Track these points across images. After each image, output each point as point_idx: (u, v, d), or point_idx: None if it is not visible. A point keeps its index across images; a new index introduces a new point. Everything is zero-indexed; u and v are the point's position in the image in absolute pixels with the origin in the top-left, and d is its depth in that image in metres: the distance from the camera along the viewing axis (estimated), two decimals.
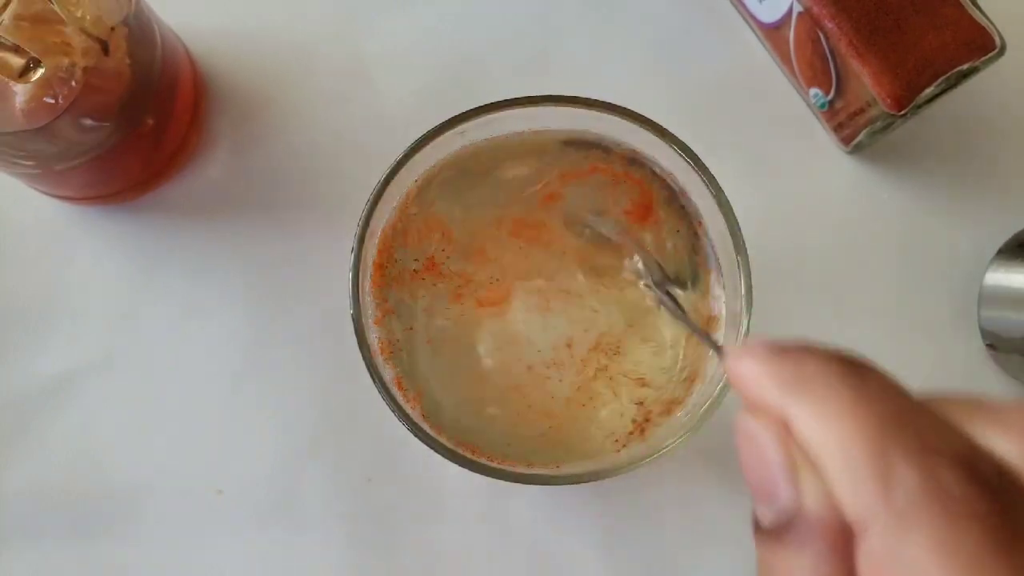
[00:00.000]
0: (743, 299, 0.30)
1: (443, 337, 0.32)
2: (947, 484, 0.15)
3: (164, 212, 0.39)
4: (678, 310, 0.29)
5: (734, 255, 0.30)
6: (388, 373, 0.31)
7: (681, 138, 0.31)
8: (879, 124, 0.36)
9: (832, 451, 0.16)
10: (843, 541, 0.16)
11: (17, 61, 0.29)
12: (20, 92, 0.31)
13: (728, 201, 0.30)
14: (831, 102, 0.37)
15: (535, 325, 0.32)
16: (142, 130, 0.36)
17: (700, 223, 0.32)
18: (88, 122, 0.33)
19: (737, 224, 0.30)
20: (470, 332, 0.32)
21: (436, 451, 0.29)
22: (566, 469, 0.31)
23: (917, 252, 0.39)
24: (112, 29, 0.32)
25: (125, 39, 0.33)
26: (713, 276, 0.32)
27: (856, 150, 0.39)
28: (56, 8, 0.30)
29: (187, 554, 0.37)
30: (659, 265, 0.31)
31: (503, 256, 0.33)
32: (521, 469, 0.30)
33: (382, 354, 0.31)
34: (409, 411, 0.30)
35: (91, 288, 0.38)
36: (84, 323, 0.38)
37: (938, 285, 0.39)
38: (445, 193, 0.33)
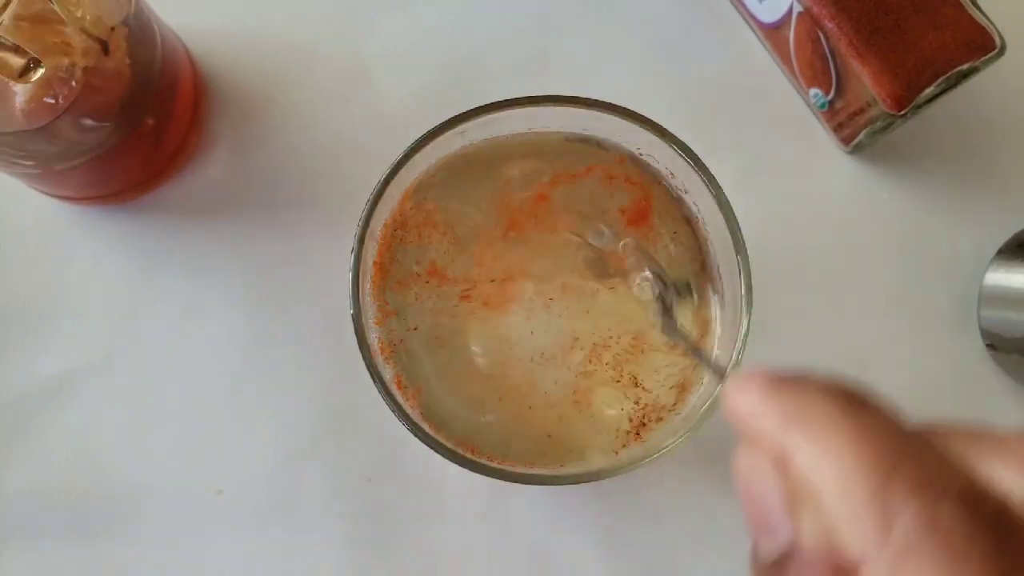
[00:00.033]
0: (743, 299, 0.30)
1: (443, 338, 0.32)
2: (947, 521, 0.15)
3: (164, 212, 0.39)
4: (683, 338, 0.29)
5: (734, 255, 0.30)
6: (388, 373, 0.31)
7: (681, 138, 0.31)
8: (879, 124, 0.36)
9: (832, 486, 0.16)
10: None
11: (17, 61, 0.29)
12: (20, 92, 0.31)
13: (728, 201, 0.30)
14: (831, 102, 0.37)
15: (535, 326, 0.32)
16: (142, 130, 0.36)
17: (699, 221, 0.32)
18: (88, 122, 0.33)
19: (737, 224, 0.30)
20: (469, 333, 0.32)
21: (436, 451, 0.29)
22: (566, 469, 0.31)
23: (917, 252, 0.39)
24: (112, 29, 0.32)
25: (125, 39, 0.33)
26: (712, 276, 0.32)
27: (856, 150, 0.39)
28: (56, 8, 0.30)
29: (187, 554, 0.37)
30: (664, 284, 0.31)
31: (503, 257, 0.33)
32: (521, 469, 0.30)
33: (382, 354, 0.31)
34: (409, 411, 0.30)
35: (91, 288, 0.38)
36: (84, 323, 0.38)
37: (938, 285, 0.39)
38: (445, 193, 0.33)
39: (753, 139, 0.40)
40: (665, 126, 0.31)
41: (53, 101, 0.31)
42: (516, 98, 0.31)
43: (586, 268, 0.32)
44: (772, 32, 0.39)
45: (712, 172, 0.30)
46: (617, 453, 0.31)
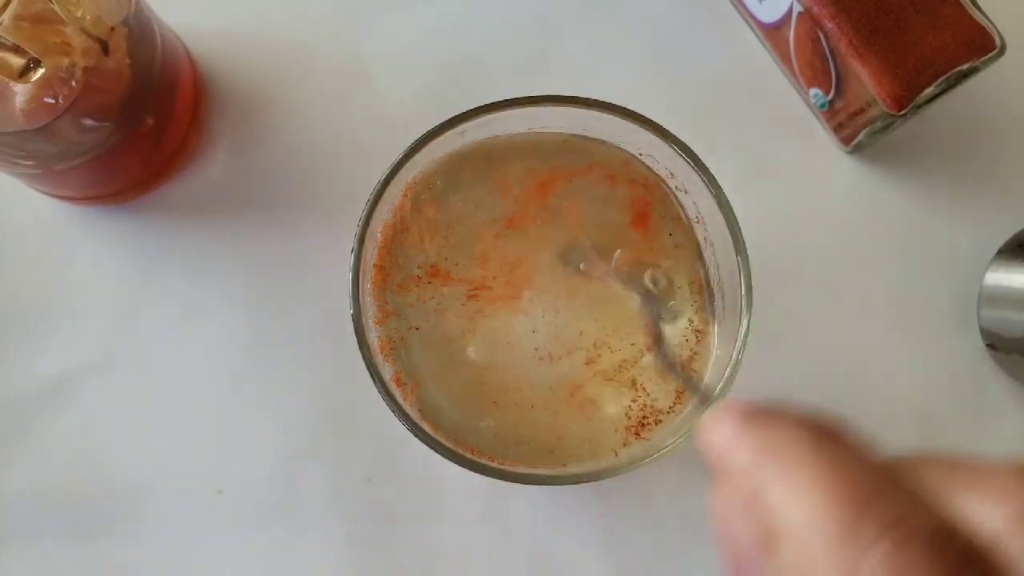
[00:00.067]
0: (743, 299, 0.30)
1: (443, 338, 0.32)
2: (915, 561, 0.15)
3: (164, 212, 0.39)
4: (673, 366, 0.28)
5: (734, 255, 0.30)
6: (388, 373, 0.31)
7: (681, 138, 0.31)
8: (879, 124, 0.36)
9: (801, 525, 0.16)
10: None
11: (17, 61, 0.29)
12: (20, 92, 0.31)
13: (728, 201, 0.30)
14: (831, 102, 0.37)
15: (535, 325, 0.32)
16: (142, 130, 0.36)
17: (700, 220, 0.32)
18: (88, 122, 0.33)
19: (737, 224, 0.30)
20: (471, 332, 0.32)
21: (436, 451, 0.29)
22: (566, 469, 0.31)
23: (917, 252, 0.39)
24: (112, 29, 0.32)
25: (125, 39, 0.33)
26: (710, 280, 0.32)
27: (856, 150, 0.39)
28: (56, 8, 0.30)
29: (187, 554, 0.37)
30: (657, 312, 0.31)
31: (504, 257, 0.32)
32: (521, 469, 0.30)
33: (381, 352, 0.31)
34: (409, 411, 0.30)
35: (91, 288, 0.38)
36: (84, 323, 0.38)
37: (938, 285, 0.39)
38: (446, 193, 0.33)
39: (753, 139, 0.40)
40: (665, 126, 0.31)
41: (53, 101, 0.31)
42: (516, 98, 0.31)
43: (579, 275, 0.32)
44: (772, 32, 0.39)
45: (712, 172, 0.30)
46: (617, 453, 0.31)
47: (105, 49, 0.32)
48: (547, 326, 0.32)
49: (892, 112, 0.34)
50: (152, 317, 0.38)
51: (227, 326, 0.38)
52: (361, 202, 0.30)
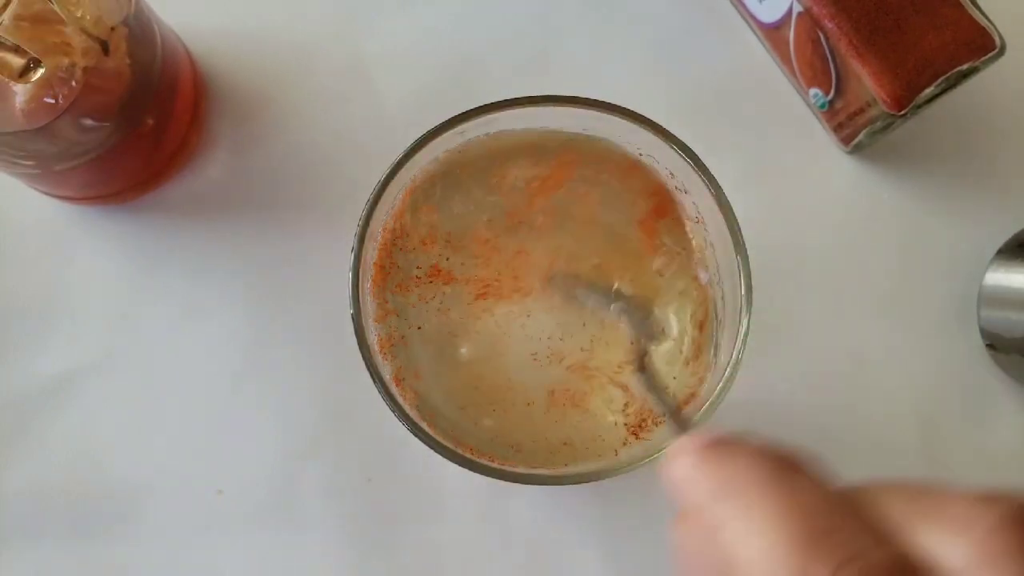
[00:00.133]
0: (743, 299, 0.30)
1: (443, 338, 0.32)
2: None
3: (164, 212, 0.39)
4: (654, 386, 0.28)
5: (734, 255, 0.30)
6: (387, 372, 0.31)
7: (681, 138, 0.31)
8: (879, 124, 0.36)
9: (758, 563, 0.16)
10: None
11: (17, 61, 0.29)
12: (20, 92, 0.31)
13: (728, 201, 0.30)
14: (831, 102, 0.37)
15: (534, 326, 0.32)
16: (142, 130, 0.36)
17: (700, 220, 0.32)
18: (88, 122, 0.33)
19: (737, 224, 0.30)
20: (469, 333, 0.32)
21: (436, 451, 0.29)
22: (566, 469, 0.31)
23: (917, 252, 0.39)
24: (112, 29, 0.32)
25: (125, 39, 0.33)
26: (711, 282, 0.32)
27: (856, 150, 0.39)
28: (56, 8, 0.30)
29: (187, 554, 0.37)
30: (643, 337, 0.31)
31: (503, 258, 0.32)
32: (521, 469, 0.30)
33: (380, 351, 0.31)
34: (408, 411, 0.30)
35: (91, 288, 0.38)
36: (84, 323, 0.38)
37: (938, 285, 0.39)
38: (447, 192, 0.33)
39: (753, 139, 0.40)
40: (665, 126, 0.31)
41: (53, 101, 0.31)
42: (516, 98, 0.31)
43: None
44: (772, 32, 0.39)
45: (712, 172, 0.30)
46: (617, 453, 0.31)
47: (105, 49, 0.32)
48: (546, 327, 0.32)
49: (892, 112, 0.34)
50: (152, 317, 0.38)
51: (227, 326, 0.38)
52: (361, 202, 0.30)
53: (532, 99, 0.31)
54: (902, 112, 0.34)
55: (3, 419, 0.37)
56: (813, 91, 0.38)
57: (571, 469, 0.31)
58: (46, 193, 0.38)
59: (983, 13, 0.34)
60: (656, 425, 0.31)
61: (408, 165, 0.31)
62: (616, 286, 0.32)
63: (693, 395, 0.32)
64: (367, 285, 0.31)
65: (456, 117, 0.31)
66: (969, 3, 0.34)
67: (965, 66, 0.33)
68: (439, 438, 0.30)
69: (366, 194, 0.30)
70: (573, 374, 0.32)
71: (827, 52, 0.35)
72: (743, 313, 0.30)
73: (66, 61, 0.31)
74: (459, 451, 0.30)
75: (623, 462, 0.29)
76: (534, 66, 0.40)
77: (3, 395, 0.38)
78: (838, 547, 0.16)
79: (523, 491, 0.36)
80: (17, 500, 0.37)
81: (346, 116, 0.40)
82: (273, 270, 0.38)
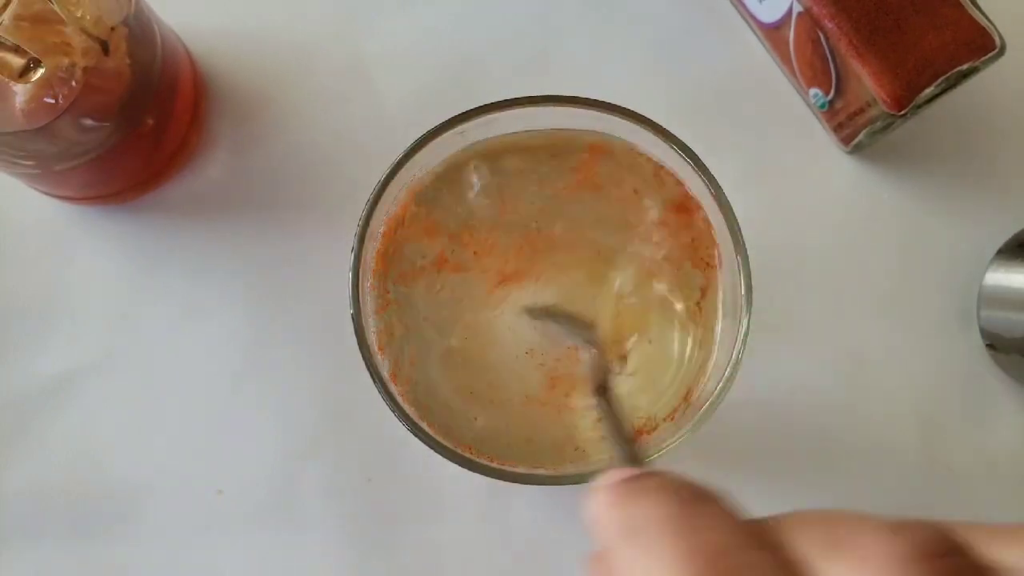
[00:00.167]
0: (743, 299, 0.30)
1: (442, 337, 0.32)
2: None
3: (164, 212, 0.39)
4: (610, 420, 0.27)
5: (734, 255, 0.30)
6: (386, 370, 0.31)
7: (681, 138, 0.31)
8: (879, 124, 0.36)
9: None
10: None
11: (17, 61, 0.29)
12: (20, 92, 0.31)
13: (728, 201, 0.30)
14: (831, 102, 0.37)
15: (535, 324, 0.32)
16: (142, 130, 0.36)
17: (700, 210, 0.32)
18: (88, 122, 0.33)
19: (737, 224, 0.30)
20: (467, 326, 0.32)
21: (436, 451, 0.29)
22: (566, 469, 0.31)
23: (917, 252, 0.39)
24: (112, 29, 0.32)
25: (125, 39, 0.33)
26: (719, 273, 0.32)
27: (856, 150, 0.39)
28: (56, 8, 0.30)
29: (187, 554, 0.37)
30: (608, 367, 0.30)
31: (507, 253, 0.32)
32: (521, 469, 0.30)
33: (380, 348, 0.31)
34: (408, 410, 0.30)
35: (91, 288, 0.38)
36: (84, 323, 0.38)
37: (938, 285, 0.39)
38: (454, 189, 0.33)
39: (753, 139, 0.40)
40: (665, 126, 0.31)
41: (53, 101, 0.31)
42: (516, 98, 0.31)
43: (597, 269, 0.32)
44: (772, 32, 0.39)
45: (712, 172, 0.30)
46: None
47: (105, 49, 0.32)
48: (548, 325, 0.32)
49: (892, 112, 0.34)
50: (152, 317, 0.38)
51: (227, 326, 0.38)
52: (361, 202, 0.30)
53: (532, 99, 0.31)
54: (902, 112, 0.34)
55: (3, 419, 0.38)
56: (813, 91, 0.38)
57: (571, 469, 0.31)
58: (46, 193, 0.38)
59: (983, 13, 0.34)
60: (656, 425, 0.31)
61: (408, 165, 0.31)
62: (589, 319, 0.31)
63: (690, 393, 0.32)
64: (367, 285, 0.31)
65: (456, 117, 0.31)
66: (969, 3, 0.34)
67: (965, 66, 0.33)
68: (439, 438, 0.30)
69: (366, 194, 0.30)
70: (572, 373, 0.32)
71: (827, 52, 0.35)
72: (743, 313, 0.30)
73: (66, 61, 0.31)
74: (459, 451, 0.30)
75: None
76: (534, 66, 0.40)
77: (3, 395, 0.38)
78: None
79: (523, 491, 0.36)
80: (17, 500, 0.37)
81: (346, 116, 0.40)
82: (273, 270, 0.38)
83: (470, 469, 0.29)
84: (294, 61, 0.40)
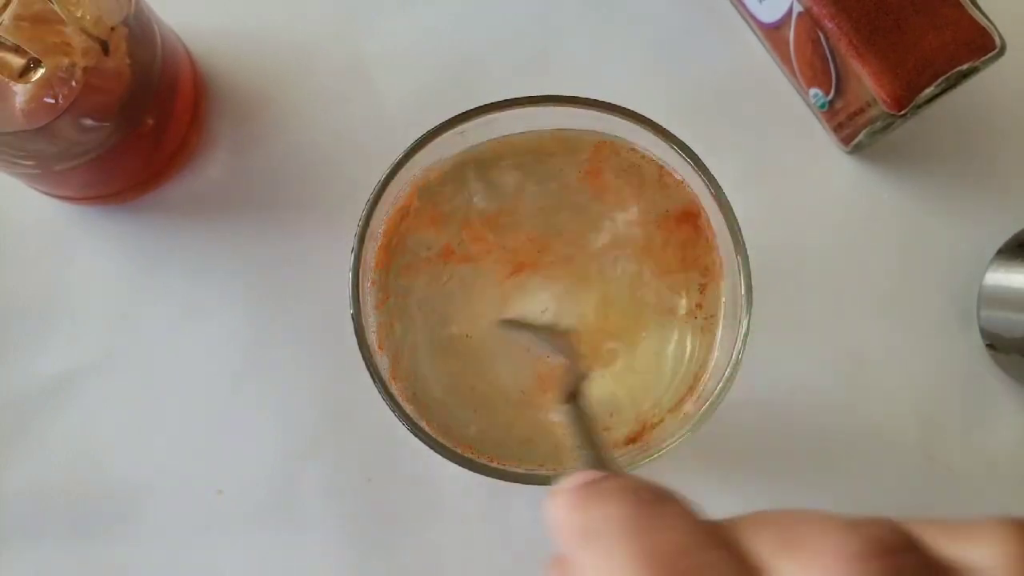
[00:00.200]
0: (743, 299, 0.30)
1: (442, 334, 0.32)
2: None
3: (164, 212, 0.39)
4: (580, 425, 0.27)
5: (734, 255, 0.30)
6: (386, 367, 0.31)
7: (681, 138, 0.31)
8: (879, 124, 0.36)
9: None
10: None
11: (17, 61, 0.29)
12: (20, 92, 0.31)
13: (728, 201, 0.30)
14: (831, 102, 0.37)
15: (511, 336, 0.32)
16: (142, 130, 0.36)
17: (700, 210, 0.32)
18: (88, 122, 0.33)
19: (737, 224, 0.30)
20: (468, 330, 0.32)
21: (436, 451, 0.29)
22: (566, 469, 0.31)
23: (917, 252, 0.39)
24: (112, 29, 0.32)
25: (125, 39, 0.33)
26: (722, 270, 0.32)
27: (856, 150, 0.39)
28: (56, 8, 0.30)
29: (187, 554, 0.37)
30: (582, 375, 0.30)
31: (506, 253, 0.32)
32: (521, 469, 0.30)
33: (380, 350, 0.31)
34: (407, 408, 0.30)
35: (91, 288, 0.38)
36: (84, 323, 0.38)
37: (938, 285, 0.39)
38: (454, 188, 0.33)
39: (753, 139, 0.40)
40: (665, 126, 0.31)
41: (53, 101, 0.31)
42: (516, 98, 0.31)
43: (601, 268, 0.32)
44: (772, 32, 0.39)
45: (712, 172, 0.30)
46: (617, 453, 0.31)
47: (105, 49, 0.32)
48: (549, 324, 0.32)
49: (892, 112, 0.34)
50: (152, 317, 0.38)
51: (227, 326, 0.38)
52: (361, 202, 0.30)
53: (532, 99, 0.31)
54: (902, 112, 0.34)
55: (3, 419, 0.38)
56: (813, 91, 0.38)
57: (571, 469, 0.30)
58: (46, 193, 0.38)
59: (983, 13, 0.34)
60: (656, 424, 0.31)
61: (408, 165, 0.31)
62: (562, 328, 0.31)
63: (690, 392, 0.32)
64: (367, 285, 0.31)
65: (456, 117, 0.31)
66: (969, 3, 0.34)
67: (965, 66, 0.33)
68: (438, 437, 0.30)
69: (366, 194, 0.30)
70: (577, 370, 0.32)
71: (827, 52, 0.35)
72: (743, 313, 0.30)
73: (66, 61, 0.31)
74: (459, 451, 0.30)
75: (623, 462, 0.29)
76: (534, 66, 0.40)
77: (3, 395, 0.38)
78: None
79: (523, 491, 0.36)
80: (17, 500, 0.37)
81: (346, 116, 0.40)
82: (273, 270, 0.38)
83: (470, 469, 0.29)
84: (294, 61, 0.40)
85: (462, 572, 0.36)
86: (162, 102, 0.36)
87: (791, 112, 0.40)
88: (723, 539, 0.17)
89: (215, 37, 0.40)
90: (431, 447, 0.29)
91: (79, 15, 0.31)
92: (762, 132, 0.40)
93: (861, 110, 0.36)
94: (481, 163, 0.33)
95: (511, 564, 0.36)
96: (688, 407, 0.31)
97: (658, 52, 0.40)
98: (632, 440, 0.31)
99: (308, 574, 0.37)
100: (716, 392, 0.29)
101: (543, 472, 0.30)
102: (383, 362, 0.31)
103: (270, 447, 0.37)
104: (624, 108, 0.31)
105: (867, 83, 0.34)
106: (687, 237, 0.32)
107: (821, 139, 0.40)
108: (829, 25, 0.34)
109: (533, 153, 0.33)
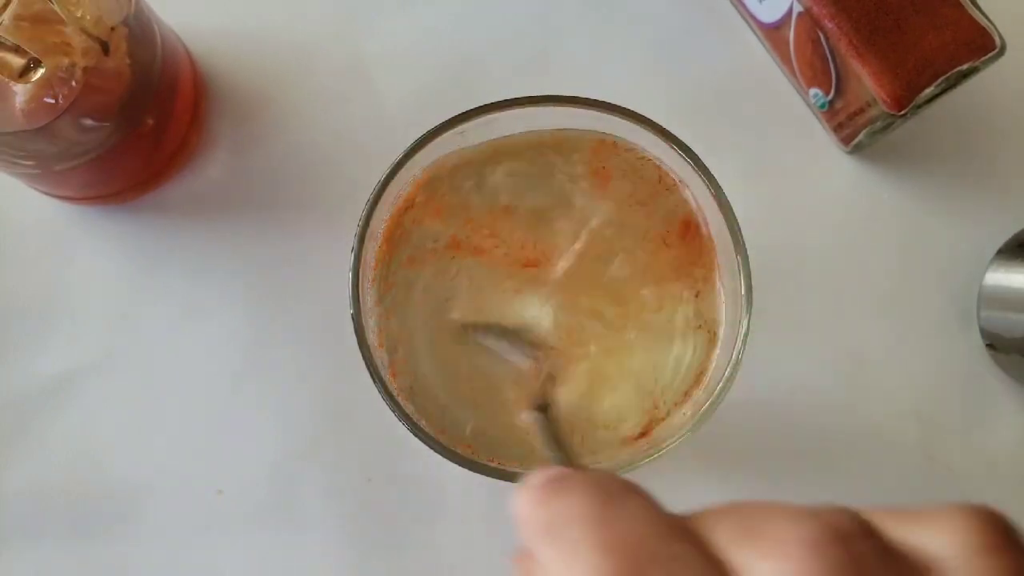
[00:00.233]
0: (743, 299, 0.30)
1: (442, 334, 0.32)
2: None
3: (164, 212, 0.39)
4: (547, 432, 0.27)
5: (734, 255, 0.30)
6: (385, 366, 0.31)
7: (681, 138, 0.31)
8: (879, 124, 0.36)
9: None
10: None
11: (17, 61, 0.29)
12: (20, 92, 0.31)
13: (728, 201, 0.30)
14: (831, 102, 0.37)
15: (537, 322, 0.32)
16: (142, 130, 0.36)
17: (701, 211, 0.32)
18: (88, 122, 0.33)
19: (737, 224, 0.30)
20: (465, 325, 0.32)
21: (436, 451, 0.29)
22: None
23: (917, 252, 0.39)
24: (112, 29, 0.32)
25: (125, 39, 0.33)
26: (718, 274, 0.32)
27: (856, 150, 0.39)
28: (56, 8, 0.30)
29: (187, 554, 0.37)
30: (551, 381, 0.30)
31: (505, 252, 0.32)
32: (521, 469, 0.30)
33: (379, 347, 0.31)
34: (407, 408, 0.30)
35: (91, 288, 0.38)
36: (84, 323, 0.38)
37: (938, 285, 0.39)
38: (452, 190, 0.33)
39: (753, 139, 0.40)
40: (665, 126, 0.31)
41: (53, 101, 0.31)
42: (516, 98, 0.31)
43: (603, 267, 0.32)
44: (772, 32, 0.39)
45: (712, 172, 0.30)
46: (617, 453, 0.31)
47: (105, 49, 0.32)
48: (550, 322, 0.32)
49: (892, 112, 0.34)
50: (152, 317, 0.38)
51: (227, 326, 0.38)
52: (361, 202, 0.30)
53: (532, 99, 0.31)
54: (902, 112, 0.34)
55: (3, 419, 0.38)
56: (813, 91, 0.38)
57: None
58: (46, 193, 0.38)
59: (983, 13, 0.34)
60: (657, 424, 0.31)
61: (408, 165, 0.31)
62: (532, 336, 0.31)
63: (690, 393, 0.32)
64: (367, 285, 0.31)
65: (456, 117, 0.31)
66: (969, 3, 0.34)
67: (965, 66, 0.33)
68: (438, 437, 0.30)
69: (366, 194, 0.30)
70: (577, 372, 0.32)
71: (827, 52, 0.35)
72: (743, 313, 0.30)
73: (66, 61, 0.31)
74: (459, 451, 0.30)
75: (623, 462, 0.29)
76: (534, 66, 0.40)
77: (3, 395, 0.38)
78: None
79: None
80: (17, 500, 0.37)
81: (346, 116, 0.40)
82: (273, 270, 0.38)
83: (470, 469, 0.29)
84: (294, 61, 0.40)
85: (462, 572, 0.36)
86: (162, 102, 0.36)
87: (791, 112, 0.40)
88: (685, 531, 0.17)
89: (215, 37, 0.40)
90: (431, 447, 0.29)
91: (79, 15, 0.31)
92: (762, 132, 0.40)
93: (861, 110, 0.36)
94: (481, 163, 0.33)
95: (511, 564, 0.36)
96: (688, 407, 0.31)
97: (658, 52, 0.40)
98: (632, 440, 0.31)
99: (308, 574, 0.37)
100: (716, 392, 0.29)
101: None
102: (382, 360, 0.31)
103: (270, 447, 0.37)
104: (624, 108, 0.31)
105: (867, 83, 0.34)
106: (687, 238, 0.32)
107: (821, 139, 0.40)
108: (829, 25, 0.34)
109: (533, 153, 0.33)
